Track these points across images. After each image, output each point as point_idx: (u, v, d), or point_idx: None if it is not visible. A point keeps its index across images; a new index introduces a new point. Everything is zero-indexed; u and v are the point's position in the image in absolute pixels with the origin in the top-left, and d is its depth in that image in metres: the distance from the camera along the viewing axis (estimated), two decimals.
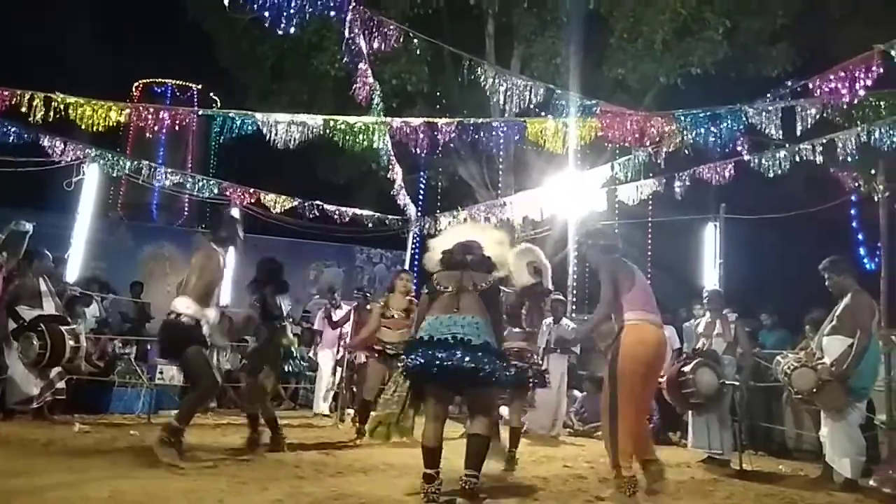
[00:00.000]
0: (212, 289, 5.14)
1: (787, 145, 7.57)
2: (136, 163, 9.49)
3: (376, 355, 6.81)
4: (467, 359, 3.92)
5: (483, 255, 4.41)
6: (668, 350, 7.50)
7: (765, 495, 4.94)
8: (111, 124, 7.90)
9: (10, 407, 6.70)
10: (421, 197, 13.18)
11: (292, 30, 7.29)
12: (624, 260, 4.81)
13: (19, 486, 3.82)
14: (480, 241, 4.51)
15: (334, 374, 8.69)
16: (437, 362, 3.94)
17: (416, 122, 8.60)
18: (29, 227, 7.15)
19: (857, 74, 5.99)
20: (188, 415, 5.06)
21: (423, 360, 4.00)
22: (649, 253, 11.02)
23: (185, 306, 5.00)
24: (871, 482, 5.41)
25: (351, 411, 9.20)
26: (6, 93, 7.36)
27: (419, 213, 12.10)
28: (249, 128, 8.28)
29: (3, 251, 7.24)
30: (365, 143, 8.56)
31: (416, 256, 12.14)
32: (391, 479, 4.89)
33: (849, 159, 7.34)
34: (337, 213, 11.37)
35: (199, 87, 18.98)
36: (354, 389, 8.36)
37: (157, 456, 4.68)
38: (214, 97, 17.82)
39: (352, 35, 7.42)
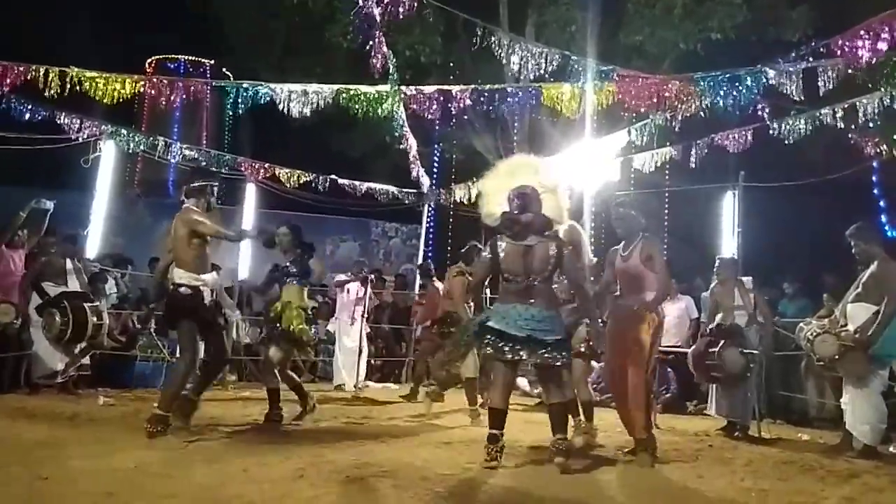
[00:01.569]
0: (200, 251, 4.96)
1: (807, 110, 7.44)
2: (151, 138, 9.51)
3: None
4: (541, 354, 4.23)
5: (542, 215, 4.40)
6: (686, 319, 7.53)
7: (784, 462, 4.94)
8: (126, 96, 7.90)
9: (35, 381, 6.84)
10: (435, 169, 13.12)
11: None
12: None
13: (47, 458, 3.90)
14: (534, 186, 4.43)
15: (361, 346, 8.68)
16: (510, 355, 4.24)
17: (429, 89, 8.52)
18: (50, 205, 7.23)
19: (879, 33, 5.85)
20: (171, 399, 4.87)
21: (496, 349, 4.26)
22: (666, 222, 10.90)
23: (178, 276, 4.92)
24: (892, 448, 5.41)
25: (370, 383, 9.33)
26: (21, 68, 7.37)
27: (434, 186, 12.05)
28: (262, 99, 8.25)
29: (24, 229, 7.34)
30: (379, 112, 8.50)
31: (431, 230, 12.14)
32: (412, 447, 4.94)
33: (870, 124, 7.20)
34: (351, 187, 11.35)
35: (212, 62, 18.93)
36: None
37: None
38: (227, 73, 17.77)
39: (365, 4, 7.34)
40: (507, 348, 4.25)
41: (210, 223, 4.96)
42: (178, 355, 5.29)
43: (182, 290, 4.91)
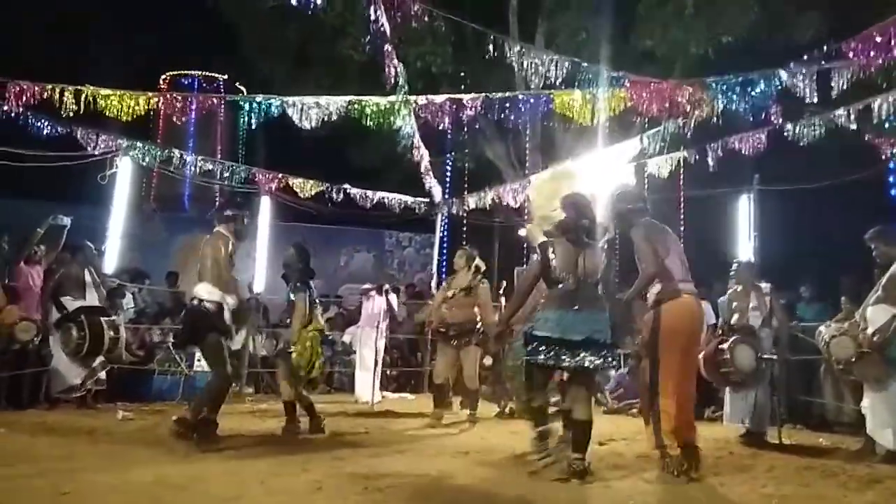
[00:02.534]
0: (228, 273, 5.16)
1: (821, 113, 7.38)
2: (166, 152, 9.61)
3: (440, 337, 6.96)
4: (593, 358, 4.22)
5: (601, 224, 4.53)
6: (704, 325, 7.44)
7: (805, 468, 4.88)
8: (141, 113, 7.99)
9: (54, 396, 6.90)
10: (448, 179, 13.13)
11: (314, 6, 7.25)
12: (654, 222, 4.79)
13: (68, 472, 3.94)
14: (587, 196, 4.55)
15: (376, 359, 8.66)
16: (568, 362, 4.22)
17: (440, 99, 8.53)
18: (67, 220, 7.32)
19: (893, 35, 5.80)
20: (201, 408, 5.03)
21: (551, 359, 4.24)
22: (682, 228, 10.84)
23: (206, 292, 5.05)
24: None
25: (387, 394, 9.32)
26: (37, 87, 7.48)
27: (446, 195, 12.06)
28: (275, 112, 8.31)
29: (42, 245, 7.43)
30: (391, 122, 8.53)
31: (445, 239, 12.14)
32: (429, 458, 4.94)
33: (885, 125, 7.13)
34: (365, 197, 11.39)
35: (226, 77, 19.12)
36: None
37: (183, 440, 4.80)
38: (240, 87, 17.94)
39: (376, 15, 7.39)
40: (562, 355, 4.21)
41: (224, 263, 5.13)
42: (211, 371, 5.33)
43: (207, 305, 5.04)
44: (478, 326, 6.83)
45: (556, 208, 4.55)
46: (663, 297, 4.47)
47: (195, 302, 5.11)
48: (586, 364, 4.20)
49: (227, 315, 5.13)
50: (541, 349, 4.25)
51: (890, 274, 5.29)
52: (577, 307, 4.26)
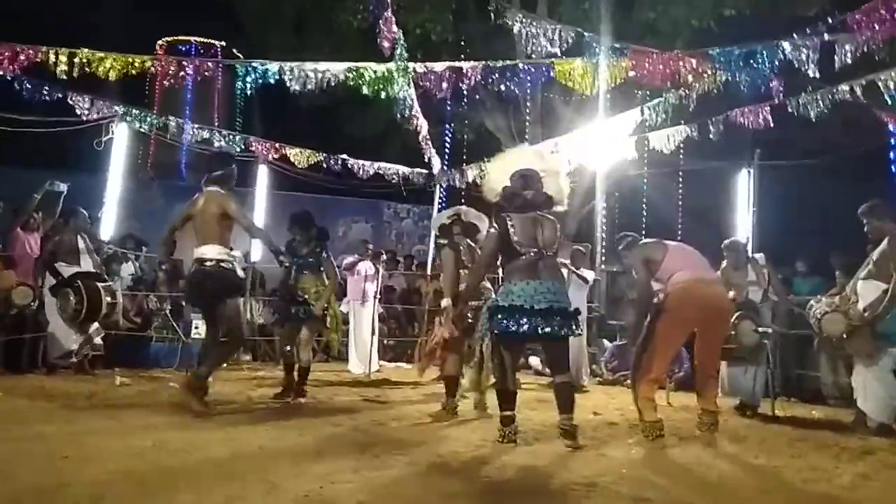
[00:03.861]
0: (230, 232, 5.10)
1: (824, 87, 7.32)
2: (163, 119, 9.53)
3: None
4: (563, 327, 4.28)
5: (543, 192, 4.50)
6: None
7: (798, 440, 4.93)
8: (136, 73, 7.91)
9: (51, 362, 6.93)
10: (447, 150, 13.06)
11: None
12: (650, 242, 5.04)
13: (66, 437, 3.96)
14: (537, 169, 4.55)
15: (373, 328, 8.67)
16: (538, 330, 4.23)
17: (440, 66, 8.45)
18: (63, 187, 7.27)
19: None
20: (214, 366, 5.11)
21: (518, 328, 4.24)
22: (681, 202, 10.84)
23: (217, 252, 4.98)
24: None
25: (383, 363, 9.36)
26: (31, 50, 7.38)
27: (445, 167, 12.01)
28: (272, 78, 8.22)
29: (39, 211, 7.40)
30: (389, 91, 8.45)
31: (443, 210, 12.11)
32: (426, 425, 5.00)
33: (888, 101, 7.09)
34: (363, 168, 11.33)
35: (223, 44, 18.88)
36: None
37: (187, 405, 4.84)
38: (238, 54, 17.75)
39: None
40: (532, 324, 4.22)
41: (247, 219, 5.17)
42: (225, 335, 5.22)
43: (225, 265, 4.99)
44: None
45: (504, 182, 4.58)
46: (670, 288, 4.73)
47: (211, 264, 4.97)
48: (554, 332, 4.24)
49: (240, 272, 5.14)
50: (509, 321, 4.25)
51: (881, 249, 5.30)
52: (539, 278, 4.29)
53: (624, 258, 5.16)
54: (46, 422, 4.43)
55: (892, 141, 8.54)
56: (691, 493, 3.30)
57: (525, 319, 4.23)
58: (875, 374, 5.24)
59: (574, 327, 4.36)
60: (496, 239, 4.44)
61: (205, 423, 4.59)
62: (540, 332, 4.24)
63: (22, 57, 7.47)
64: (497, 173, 4.69)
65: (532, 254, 4.34)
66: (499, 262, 4.65)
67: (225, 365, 5.29)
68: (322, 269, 6.15)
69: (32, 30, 8.41)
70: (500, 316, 4.30)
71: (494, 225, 4.48)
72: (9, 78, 7.60)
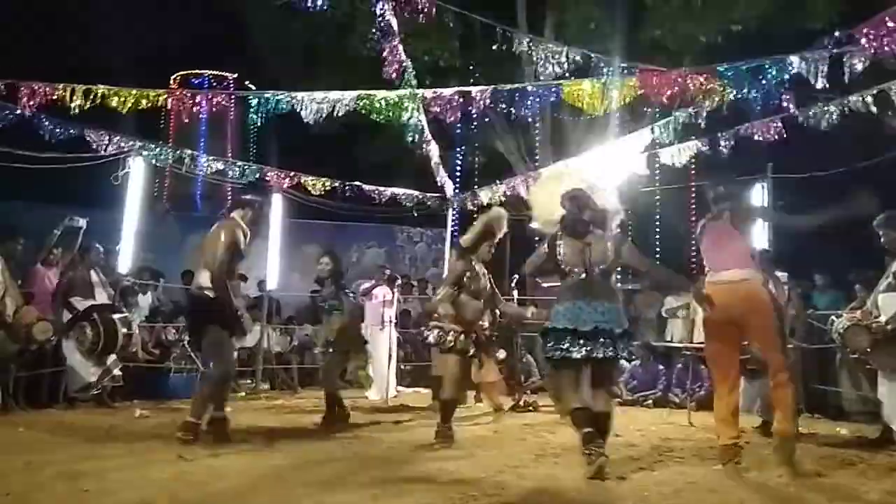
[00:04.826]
0: (233, 262, 4.97)
1: (835, 98, 7.30)
2: (178, 152, 9.66)
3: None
4: (609, 349, 4.20)
5: (601, 211, 4.48)
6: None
7: (823, 457, 4.85)
8: (150, 107, 8.03)
9: (71, 395, 6.97)
10: (458, 173, 13.12)
11: (322, 4, 7.26)
12: (706, 218, 4.83)
13: (86, 470, 3.97)
14: (582, 187, 4.55)
15: (390, 353, 8.67)
16: (582, 351, 4.17)
17: (448, 91, 8.50)
18: (82, 222, 7.38)
19: None
20: (203, 408, 4.90)
21: (566, 351, 4.20)
22: (694, 218, 10.78)
23: (204, 280, 4.92)
24: None
25: (401, 389, 9.33)
26: (47, 88, 7.54)
27: (457, 190, 12.05)
28: (284, 108, 8.32)
29: (58, 247, 7.50)
30: (400, 117, 8.52)
31: (456, 233, 12.13)
32: (445, 451, 4.96)
33: None
34: (376, 193, 11.40)
35: (235, 75, 19.21)
36: None
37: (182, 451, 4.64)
38: (250, 85, 18.02)
39: (382, 11, 7.38)
40: (576, 346, 4.19)
41: (220, 251, 4.89)
42: (210, 364, 5.24)
43: (207, 293, 4.91)
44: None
45: (556, 208, 4.56)
46: None
47: (196, 290, 5.00)
48: (597, 354, 4.17)
49: (233, 304, 4.97)
50: (557, 343, 4.24)
51: None
52: (587, 298, 4.26)
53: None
54: (67, 455, 4.46)
55: None
56: None
57: (569, 341, 4.20)
58: None
59: (621, 349, 4.27)
60: (542, 255, 4.47)
61: (223, 453, 4.59)
62: (583, 353, 4.17)
63: (39, 94, 7.62)
64: (542, 200, 4.70)
65: (579, 273, 4.33)
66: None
67: (220, 396, 5.12)
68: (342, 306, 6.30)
69: (50, 68, 8.60)
70: (549, 339, 4.31)
71: (546, 242, 4.50)
72: (27, 115, 7.74)
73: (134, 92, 7.99)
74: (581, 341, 4.18)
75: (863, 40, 6.01)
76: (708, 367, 4.56)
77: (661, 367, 8.91)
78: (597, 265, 4.34)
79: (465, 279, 5.50)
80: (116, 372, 7.19)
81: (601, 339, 4.18)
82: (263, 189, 10.48)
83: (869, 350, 5.24)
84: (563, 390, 4.44)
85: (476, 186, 11.87)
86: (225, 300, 4.91)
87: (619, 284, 10.26)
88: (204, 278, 4.97)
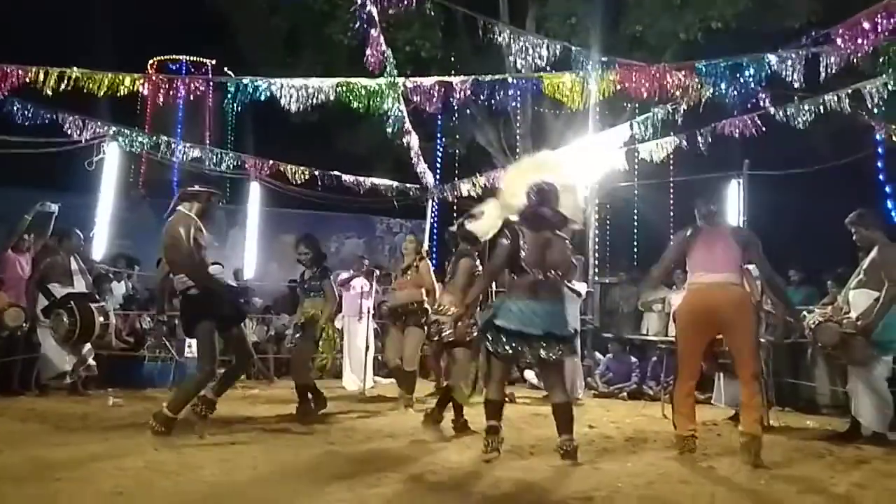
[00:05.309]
0: (200, 253, 4.76)
1: (810, 97, 7.41)
2: (154, 138, 9.53)
3: (388, 319, 7.07)
4: (557, 351, 4.27)
5: (559, 212, 4.42)
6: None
7: (793, 450, 4.94)
8: (125, 93, 7.88)
9: (44, 383, 6.89)
10: (439, 165, 13.10)
11: None
12: (695, 225, 4.90)
13: (59, 458, 3.93)
14: (554, 183, 4.49)
15: (368, 344, 8.64)
16: (531, 354, 4.26)
17: (429, 81, 8.47)
18: (54, 207, 7.25)
19: (880, 21, 5.81)
20: (182, 403, 4.77)
21: (512, 350, 4.26)
22: (671, 213, 10.90)
23: (182, 282, 4.75)
24: None
25: (378, 379, 9.33)
26: (20, 70, 7.39)
27: (437, 181, 12.04)
28: (262, 95, 8.22)
29: (30, 232, 7.38)
30: (380, 106, 8.46)
31: (436, 224, 12.14)
32: (420, 442, 4.97)
33: (875, 110, 7.17)
34: (355, 183, 11.36)
35: (214, 62, 18.95)
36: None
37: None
38: (229, 72, 17.82)
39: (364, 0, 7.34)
40: (524, 349, 4.24)
41: (193, 247, 4.68)
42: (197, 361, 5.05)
43: (192, 292, 4.78)
44: (424, 307, 6.71)
45: (520, 196, 4.49)
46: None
47: (180, 293, 4.86)
48: (545, 357, 4.25)
49: (226, 293, 4.93)
50: (501, 340, 4.26)
51: (871, 258, 5.35)
52: (538, 299, 4.25)
53: None
54: (39, 444, 4.40)
55: (879, 150, 8.63)
56: None
57: (517, 342, 4.24)
58: (869, 383, 5.27)
59: (569, 350, 4.39)
60: (508, 250, 4.35)
61: (198, 443, 4.56)
62: (533, 355, 4.26)
63: (11, 77, 7.46)
64: (514, 183, 4.60)
65: (536, 274, 4.29)
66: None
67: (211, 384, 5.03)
68: (322, 292, 6.23)
69: (22, 49, 8.42)
70: (495, 334, 4.29)
71: (507, 235, 4.38)
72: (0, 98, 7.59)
73: (110, 76, 7.85)
74: (532, 344, 4.23)
75: (838, 40, 6.10)
76: (677, 360, 4.62)
77: (634, 360, 9.01)
78: (554, 268, 4.34)
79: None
80: (91, 361, 7.11)
81: (550, 342, 4.24)
82: (241, 178, 10.41)
83: (839, 345, 5.33)
84: (492, 378, 4.51)
85: (456, 178, 11.87)
86: (218, 292, 4.84)
87: (595, 278, 10.44)
88: (180, 280, 4.79)
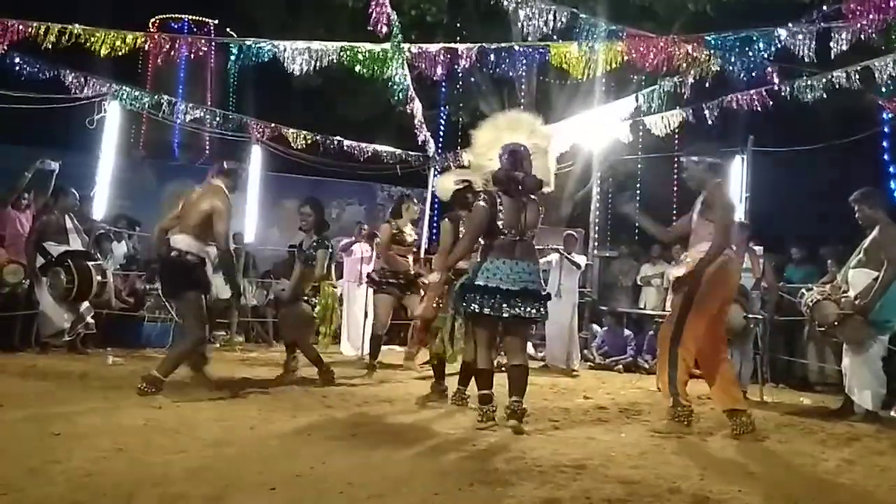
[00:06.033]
0: (210, 226, 4.91)
1: (819, 73, 7.33)
2: (155, 97, 9.43)
3: (384, 287, 6.92)
4: (534, 309, 4.30)
5: (533, 176, 4.42)
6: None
7: (785, 425, 4.99)
8: (128, 51, 7.78)
9: (44, 340, 6.92)
10: (441, 133, 13.01)
11: None
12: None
13: (58, 415, 3.96)
14: (527, 145, 4.48)
15: (366, 311, 8.63)
16: (508, 312, 4.24)
17: (434, 48, 8.35)
18: (55, 165, 7.21)
19: None
20: (172, 367, 4.86)
21: (490, 309, 4.25)
22: (675, 188, 10.85)
23: (186, 244, 4.87)
24: (893, 413, 5.45)
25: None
26: (20, 25, 7.29)
27: (440, 150, 11.96)
28: (265, 56, 8.10)
29: (30, 190, 7.35)
30: (383, 71, 8.35)
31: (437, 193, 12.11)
32: (416, 408, 5.03)
33: (883, 89, 7.09)
34: (357, 149, 11.28)
35: (216, 22, 18.71)
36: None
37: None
38: (231, 32, 17.60)
39: None
40: (503, 305, 4.23)
41: (224, 225, 4.91)
42: (183, 330, 5.19)
43: (189, 257, 4.86)
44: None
45: (492, 157, 4.51)
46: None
47: (175, 254, 4.90)
48: (523, 314, 4.25)
49: (209, 269, 4.98)
50: (478, 300, 4.27)
51: (871, 237, 5.33)
52: (514, 258, 4.31)
53: (703, 174, 4.67)
54: (38, 400, 4.44)
55: (885, 128, 8.56)
56: (677, 474, 3.34)
57: (496, 300, 4.24)
58: (864, 362, 5.29)
59: (543, 311, 4.37)
60: (485, 214, 4.35)
61: (196, 402, 4.60)
62: (509, 312, 4.24)
63: (11, 31, 7.36)
64: (486, 147, 4.58)
65: (512, 235, 4.34)
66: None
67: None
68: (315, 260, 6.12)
69: (22, 3, 8.30)
70: (472, 295, 4.31)
71: (484, 199, 4.39)
72: None
73: (112, 33, 7.74)
74: (510, 300, 4.23)
75: (850, 15, 6.01)
76: (684, 335, 4.38)
77: (629, 333, 9.08)
78: (530, 229, 4.40)
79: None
80: (89, 319, 7.14)
81: (528, 299, 4.27)
82: (242, 141, 10.32)
83: (836, 324, 5.35)
84: (478, 346, 4.50)
85: (459, 146, 11.79)
86: (232, 274, 5.18)
87: (595, 251, 10.44)
88: (181, 240, 4.89)
